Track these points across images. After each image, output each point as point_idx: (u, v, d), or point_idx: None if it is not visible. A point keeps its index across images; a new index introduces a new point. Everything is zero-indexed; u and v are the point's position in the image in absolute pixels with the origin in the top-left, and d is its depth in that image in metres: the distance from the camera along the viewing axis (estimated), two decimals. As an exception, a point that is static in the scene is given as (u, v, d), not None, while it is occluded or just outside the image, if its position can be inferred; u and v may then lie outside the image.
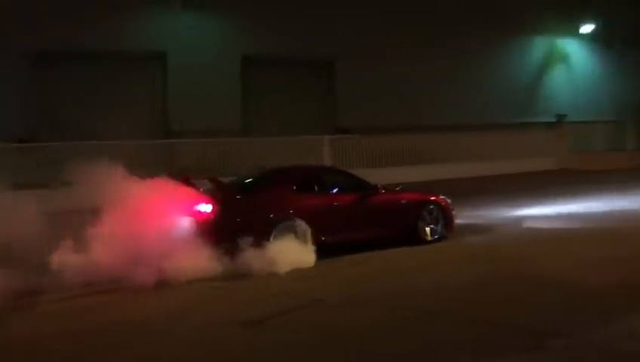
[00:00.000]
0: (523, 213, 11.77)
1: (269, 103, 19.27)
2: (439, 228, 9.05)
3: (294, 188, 8.07)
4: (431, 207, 9.04)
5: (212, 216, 7.17)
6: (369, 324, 5.27)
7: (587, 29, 27.61)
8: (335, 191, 8.43)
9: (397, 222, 8.75)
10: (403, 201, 9.00)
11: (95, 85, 16.78)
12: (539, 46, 27.32)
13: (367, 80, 20.37)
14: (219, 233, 7.04)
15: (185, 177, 7.63)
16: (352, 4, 20.74)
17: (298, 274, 7.17)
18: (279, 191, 7.92)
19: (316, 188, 8.30)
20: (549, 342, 4.64)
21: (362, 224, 8.37)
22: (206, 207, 7.21)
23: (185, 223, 7.07)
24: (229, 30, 18.90)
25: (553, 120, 23.37)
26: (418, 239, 8.79)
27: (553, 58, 27.75)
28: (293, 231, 7.54)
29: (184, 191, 7.27)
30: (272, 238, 7.32)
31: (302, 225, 7.58)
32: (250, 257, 6.99)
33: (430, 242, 8.88)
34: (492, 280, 6.74)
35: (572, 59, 28.29)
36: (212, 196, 7.42)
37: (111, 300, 6.47)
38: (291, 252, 7.29)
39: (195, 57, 18.19)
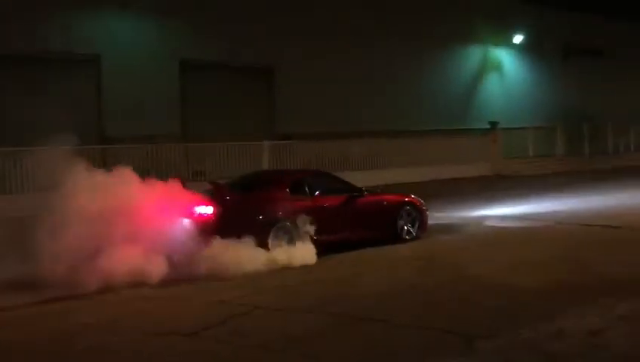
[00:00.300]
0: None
1: (208, 109, 19.02)
2: (415, 228, 9.52)
3: (288, 190, 8.51)
4: (407, 207, 9.53)
5: (213, 217, 7.41)
6: (306, 331, 5.29)
7: (518, 39, 28.69)
8: (325, 193, 8.86)
9: (381, 222, 9.24)
10: (385, 203, 9.55)
11: (23, 89, 16.01)
12: (473, 55, 28.19)
13: (306, 86, 20.45)
14: (220, 233, 7.25)
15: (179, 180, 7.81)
16: (291, 11, 20.80)
17: (239, 282, 7.10)
18: (275, 193, 8.38)
19: (308, 191, 8.66)
20: (480, 343, 4.77)
21: (350, 224, 8.84)
22: (207, 209, 7.44)
23: (186, 224, 7.32)
24: (167, 34, 18.54)
25: (487, 127, 24.09)
26: (399, 238, 9.28)
27: (487, 67, 28.70)
28: (289, 231, 7.95)
29: (185, 194, 7.52)
30: (270, 238, 7.73)
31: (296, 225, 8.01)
32: (253, 255, 7.39)
33: (407, 241, 9.31)
34: (432, 284, 6.89)
35: (505, 68, 29.34)
36: (211, 198, 7.66)
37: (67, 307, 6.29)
38: (293, 250, 7.81)
39: (131, 61, 17.73)
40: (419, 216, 9.60)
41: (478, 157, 22.67)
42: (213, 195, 7.77)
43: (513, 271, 7.36)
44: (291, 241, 7.92)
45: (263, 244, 7.58)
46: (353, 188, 9.34)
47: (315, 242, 8.04)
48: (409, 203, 9.64)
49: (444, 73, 26.58)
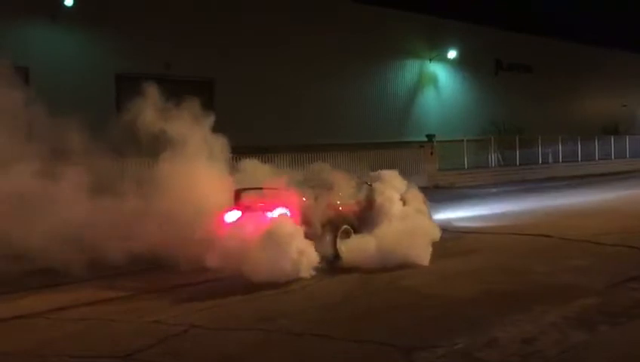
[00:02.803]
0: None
1: (147, 123, 18.55)
2: None
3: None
4: None
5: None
6: (243, 349, 5.21)
7: (452, 54, 29.57)
8: None
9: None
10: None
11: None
12: (410, 70, 28.86)
13: (246, 99, 20.39)
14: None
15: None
16: (230, 26, 20.74)
17: (176, 297, 6.93)
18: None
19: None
20: (418, 355, 4.81)
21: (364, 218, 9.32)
22: (285, 211, 8.27)
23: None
24: (102, 47, 18.10)
25: (424, 139, 24.64)
26: None
27: (423, 81, 29.42)
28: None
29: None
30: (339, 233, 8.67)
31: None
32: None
33: None
34: (369, 295, 6.92)
35: (440, 82, 30.16)
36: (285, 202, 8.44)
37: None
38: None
39: (63, 75, 17.18)
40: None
41: (415, 169, 23.09)
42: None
43: (448, 281, 7.48)
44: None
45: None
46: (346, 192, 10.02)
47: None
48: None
49: (382, 87, 27.09)
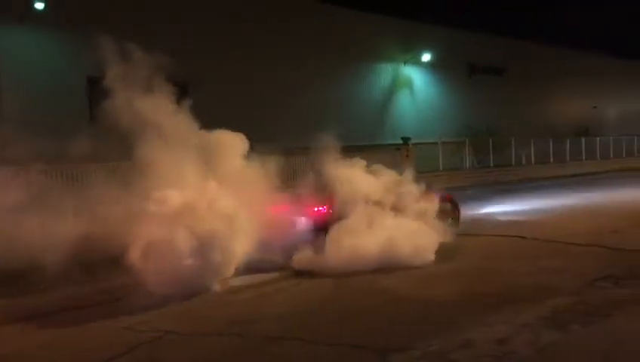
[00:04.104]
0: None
1: (120, 126, 18.33)
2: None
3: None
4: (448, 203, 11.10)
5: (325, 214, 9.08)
6: (216, 355, 5.16)
7: (426, 57, 29.81)
8: None
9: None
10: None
11: None
12: (385, 72, 29.02)
13: (219, 104, 20.24)
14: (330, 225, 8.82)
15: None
16: (204, 28, 20.63)
17: (143, 304, 6.82)
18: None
19: None
20: (393, 357, 4.81)
21: None
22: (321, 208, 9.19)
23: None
24: (72, 49, 17.81)
25: (400, 142, 24.75)
26: None
27: (398, 84, 29.61)
28: None
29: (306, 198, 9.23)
30: None
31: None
32: None
33: None
34: (345, 298, 6.91)
35: (415, 85, 30.39)
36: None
37: None
38: None
39: (34, 78, 16.90)
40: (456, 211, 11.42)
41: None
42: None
43: (423, 282, 7.51)
44: None
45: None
46: None
47: None
48: (447, 200, 11.14)
49: (357, 90, 27.20)
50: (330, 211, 9.11)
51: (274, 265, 8.66)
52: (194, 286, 7.25)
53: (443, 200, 10.79)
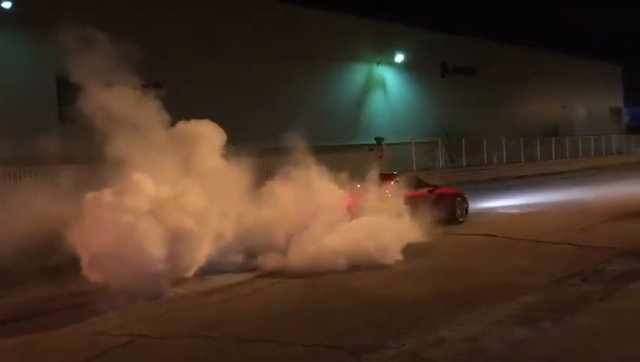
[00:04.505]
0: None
1: (91, 128, 18.05)
2: (464, 212, 13.29)
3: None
4: (458, 199, 13.35)
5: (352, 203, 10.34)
6: (190, 358, 5.13)
7: (400, 58, 29.99)
8: (418, 187, 12.62)
9: (446, 206, 12.55)
10: (449, 194, 13.46)
11: None
12: (358, 73, 29.11)
13: (191, 103, 20.07)
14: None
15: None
16: (176, 28, 20.46)
17: (113, 307, 6.72)
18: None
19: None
20: (366, 356, 4.83)
21: (432, 207, 11.34)
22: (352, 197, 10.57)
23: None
24: (41, 49, 17.48)
25: (373, 142, 24.86)
26: (456, 220, 12.76)
27: (372, 84, 29.72)
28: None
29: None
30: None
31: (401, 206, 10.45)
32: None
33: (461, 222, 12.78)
34: (318, 299, 6.92)
35: (389, 86, 30.54)
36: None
37: None
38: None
39: (1, 77, 16.56)
40: (465, 205, 13.51)
41: (365, 172, 23.24)
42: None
43: (395, 282, 7.57)
44: None
45: None
46: (430, 185, 13.16)
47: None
48: (459, 195, 13.62)
49: (330, 90, 27.22)
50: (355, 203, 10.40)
51: (243, 266, 8.63)
52: (155, 287, 7.15)
53: (455, 196, 13.46)
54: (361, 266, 8.27)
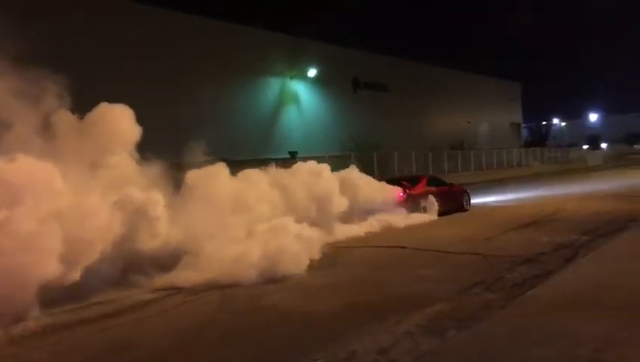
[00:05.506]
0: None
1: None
2: (468, 204, 17.69)
3: (426, 183, 16.65)
4: (465, 194, 17.72)
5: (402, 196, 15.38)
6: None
7: (312, 72, 30.37)
8: (437, 185, 16.97)
9: (459, 198, 17.33)
10: (459, 190, 17.72)
11: None
12: (272, 87, 29.18)
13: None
14: (406, 204, 15.33)
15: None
16: (90, 38, 19.70)
17: (22, 329, 6.31)
18: (422, 185, 16.37)
19: (432, 184, 16.87)
20: (278, 374, 4.78)
21: (447, 201, 16.44)
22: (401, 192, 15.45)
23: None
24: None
25: (287, 156, 24.95)
26: (464, 210, 17.23)
27: (285, 99, 29.87)
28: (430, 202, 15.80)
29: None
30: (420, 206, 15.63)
31: (432, 199, 15.86)
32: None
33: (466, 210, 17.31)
34: (229, 317, 6.79)
35: (302, 100, 30.82)
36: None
37: None
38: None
39: None
40: (468, 198, 17.75)
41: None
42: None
43: (307, 296, 7.56)
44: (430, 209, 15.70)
45: (417, 209, 15.50)
46: (447, 183, 17.58)
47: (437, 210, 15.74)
48: (465, 191, 17.86)
49: (244, 104, 27.12)
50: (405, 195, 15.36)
51: (148, 282, 8.34)
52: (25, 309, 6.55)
53: (463, 191, 17.65)
54: (273, 278, 8.21)
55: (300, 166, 13.24)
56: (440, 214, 15.63)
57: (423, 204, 15.52)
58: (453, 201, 16.64)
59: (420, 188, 16.00)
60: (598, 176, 33.23)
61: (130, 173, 8.81)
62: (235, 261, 8.38)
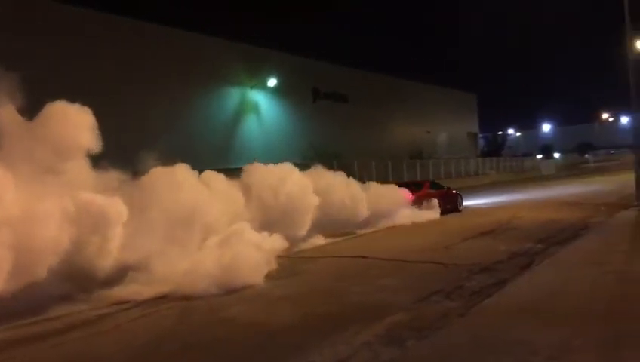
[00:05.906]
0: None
1: None
2: (461, 206, 20.59)
3: (429, 187, 19.78)
4: (459, 196, 20.60)
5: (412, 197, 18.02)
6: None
7: (272, 82, 30.36)
8: (437, 188, 19.96)
9: (454, 200, 20.14)
10: (454, 193, 20.57)
11: None
12: (232, 97, 29.03)
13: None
14: (414, 203, 17.92)
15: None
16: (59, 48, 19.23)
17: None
18: (426, 188, 19.35)
19: (434, 187, 19.98)
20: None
21: (445, 202, 19.07)
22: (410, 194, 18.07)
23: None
24: None
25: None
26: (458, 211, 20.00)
27: (245, 108, 29.75)
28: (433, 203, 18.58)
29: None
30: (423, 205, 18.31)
31: (435, 200, 18.63)
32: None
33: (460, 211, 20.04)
34: (188, 329, 6.65)
35: (262, 110, 30.74)
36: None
37: None
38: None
39: None
40: (461, 200, 20.72)
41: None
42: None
43: (267, 307, 7.48)
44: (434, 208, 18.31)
45: (423, 208, 17.98)
46: (444, 186, 20.74)
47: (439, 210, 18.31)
48: (459, 194, 20.79)
49: (203, 114, 26.89)
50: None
51: (103, 296, 8.08)
52: None
53: (457, 194, 20.54)
54: (232, 288, 8.11)
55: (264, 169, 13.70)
56: (440, 213, 18.32)
57: (427, 204, 18.16)
58: (450, 202, 19.54)
59: (425, 190, 18.94)
60: (551, 185, 34.14)
61: (84, 179, 8.44)
62: (187, 272, 8.20)
